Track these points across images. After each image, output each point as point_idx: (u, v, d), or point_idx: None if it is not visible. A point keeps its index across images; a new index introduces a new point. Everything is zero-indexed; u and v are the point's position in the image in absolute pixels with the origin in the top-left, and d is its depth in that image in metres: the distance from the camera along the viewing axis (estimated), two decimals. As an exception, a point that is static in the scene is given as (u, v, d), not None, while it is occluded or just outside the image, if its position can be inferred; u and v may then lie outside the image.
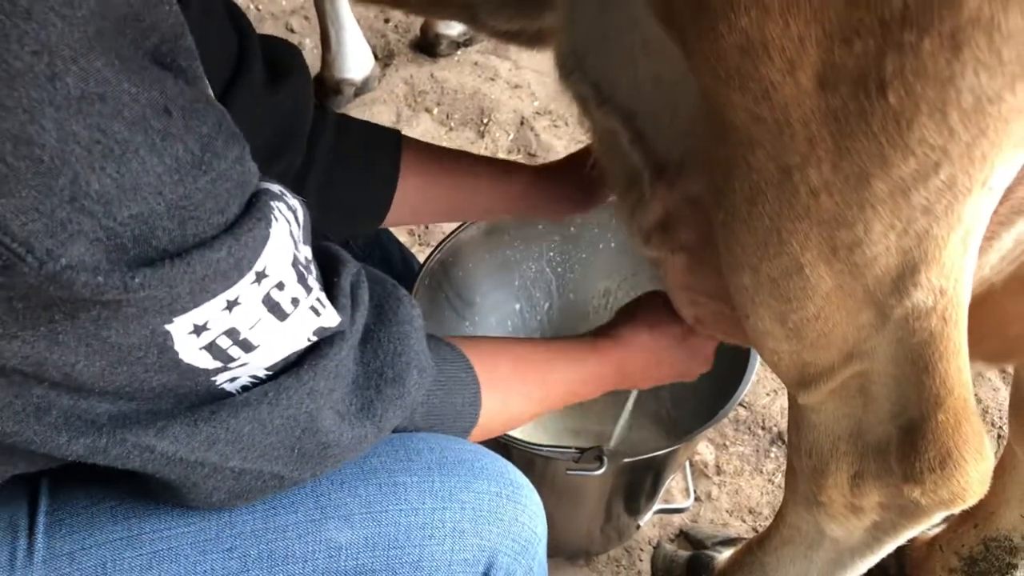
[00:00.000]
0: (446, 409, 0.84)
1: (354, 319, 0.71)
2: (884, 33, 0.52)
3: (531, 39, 1.09)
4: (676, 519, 1.56)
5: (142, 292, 0.53)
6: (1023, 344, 0.91)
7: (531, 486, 0.87)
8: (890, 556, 1.44)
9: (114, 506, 0.74)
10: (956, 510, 0.85)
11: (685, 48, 0.65)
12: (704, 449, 1.64)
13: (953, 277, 0.67)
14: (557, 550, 1.50)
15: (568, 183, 1.21)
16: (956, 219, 0.62)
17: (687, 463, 1.56)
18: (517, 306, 1.60)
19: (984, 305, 0.84)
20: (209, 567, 0.73)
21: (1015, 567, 1.22)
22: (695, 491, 1.57)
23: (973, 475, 0.80)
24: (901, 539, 0.96)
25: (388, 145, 1.11)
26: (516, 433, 1.20)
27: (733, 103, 0.62)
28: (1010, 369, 1.22)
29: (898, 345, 0.74)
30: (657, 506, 1.48)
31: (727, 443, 1.66)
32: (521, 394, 0.93)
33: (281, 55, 0.98)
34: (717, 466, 1.63)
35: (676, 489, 1.58)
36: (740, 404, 1.72)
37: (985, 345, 0.89)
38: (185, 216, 0.54)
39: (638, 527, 1.50)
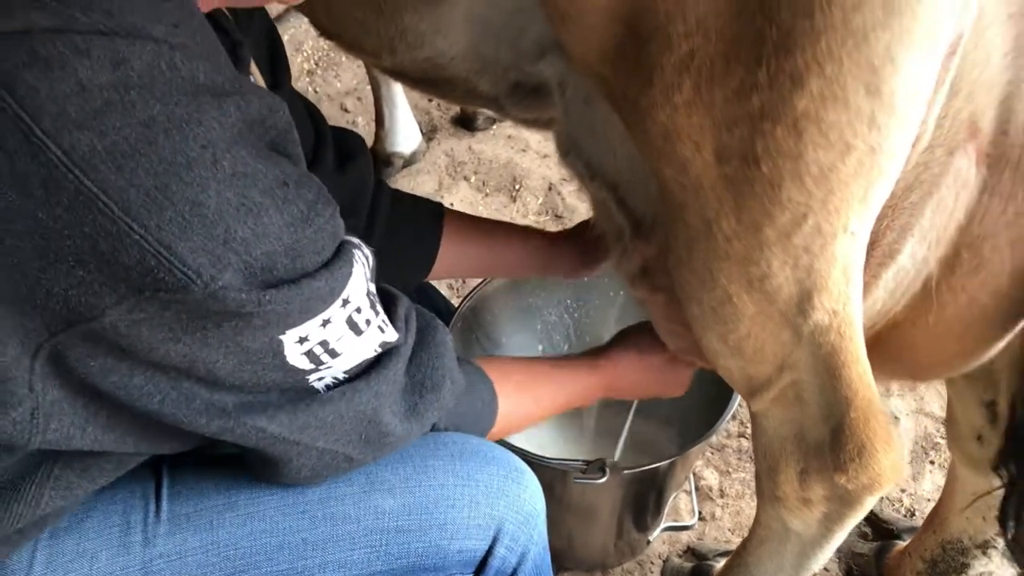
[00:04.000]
0: (470, 410, 1.07)
1: (407, 339, 0.95)
2: (751, 123, 0.74)
3: (544, 125, 1.33)
4: (684, 537, 1.75)
5: (268, 307, 0.76)
6: (929, 366, 1.10)
7: (532, 472, 1.08)
8: (871, 566, 1.62)
9: (217, 481, 0.98)
10: (878, 494, 1.04)
11: (631, 134, 0.89)
12: (709, 475, 1.83)
13: (841, 301, 0.88)
14: (575, 563, 1.70)
15: (579, 248, 1.45)
16: (832, 256, 0.83)
17: (692, 487, 1.75)
18: (540, 347, 1.82)
19: (892, 334, 1.04)
20: (287, 525, 0.97)
21: (968, 565, 1.38)
22: (700, 512, 1.76)
23: (884, 461, 1.00)
24: (847, 528, 1.14)
25: (432, 217, 1.38)
26: (533, 448, 1.41)
27: (665, 175, 0.85)
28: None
29: (813, 357, 0.95)
30: (665, 524, 1.67)
31: (730, 469, 1.84)
32: (530, 399, 1.16)
33: (348, 143, 1.25)
34: (721, 490, 1.81)
35: (684, 510, 1.77)
36: (742, 436, 1.91)
37: (898, 366, 1.08)
38: (296, 255, 0.78)
39: (648, 542, 1.69)
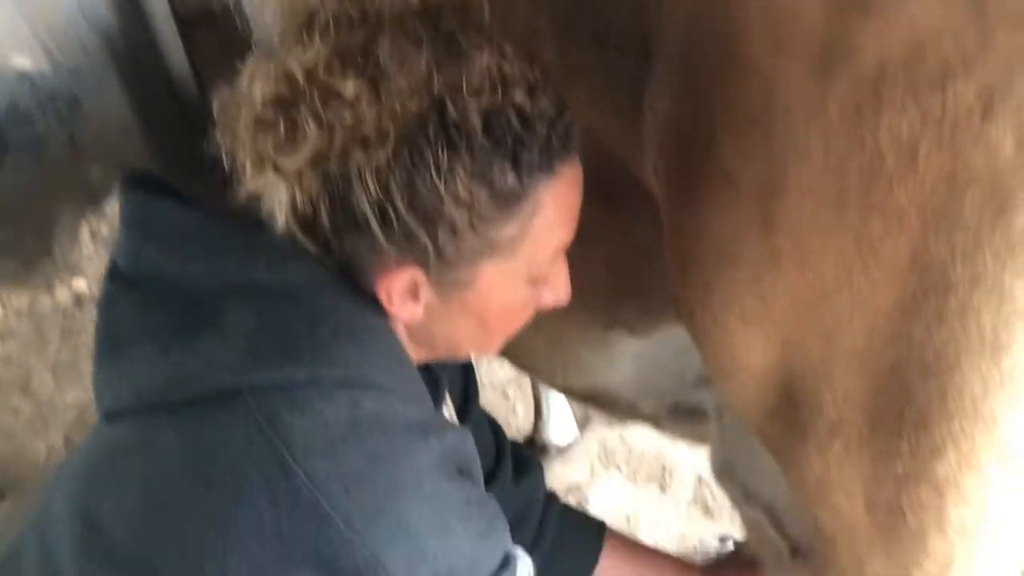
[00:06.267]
0: None
1: None
2: (897, 482, 0.85)
3: (699, 439, 1.46)
4: None
5: None
6: None
7: None
8: None
9: None
10: None
11: (785, 474, 1.00)
12: None
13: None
14: None
15: None
16: None
17: None
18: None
19: None
20: None
21: None
22: None
23: None
24: None
25: (595, 535, 1.50)
26: None
27: (818, 515, 0.95)
28: None
29: None
30: None
31: None
32: None
33: (524, 459, 1.42)
34: None
35: None
36: None
37: None
38: (474, 564, 0.94)
39: None
